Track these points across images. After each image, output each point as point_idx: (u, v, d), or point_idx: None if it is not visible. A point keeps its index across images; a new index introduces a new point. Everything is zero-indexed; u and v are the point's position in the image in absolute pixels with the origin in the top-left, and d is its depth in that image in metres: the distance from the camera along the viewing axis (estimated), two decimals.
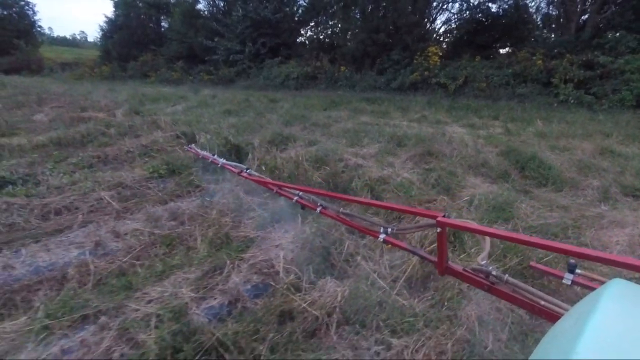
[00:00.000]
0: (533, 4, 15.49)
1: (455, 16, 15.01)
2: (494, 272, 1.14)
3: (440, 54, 12.82)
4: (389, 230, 1.53)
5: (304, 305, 2.07)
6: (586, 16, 13.73)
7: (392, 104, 10.19)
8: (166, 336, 1.76)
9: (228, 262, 2.56)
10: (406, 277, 2.38)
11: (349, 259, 2.62)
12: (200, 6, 25.58)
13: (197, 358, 1.71)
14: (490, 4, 15.46)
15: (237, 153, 4.88)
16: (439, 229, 1.23)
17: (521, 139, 5.96)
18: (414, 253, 1.46)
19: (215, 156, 3.45)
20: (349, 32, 14.40)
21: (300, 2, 19.89)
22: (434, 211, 1.31)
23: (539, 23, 15.20)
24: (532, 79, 11.18)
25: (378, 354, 1.81)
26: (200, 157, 3.94)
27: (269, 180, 2.52)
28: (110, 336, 1.86)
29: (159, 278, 2.44)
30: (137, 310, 2.06)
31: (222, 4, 23.57)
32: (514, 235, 1.11)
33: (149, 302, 2.16)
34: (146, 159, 5.14)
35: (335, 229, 2.82)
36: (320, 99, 10.95)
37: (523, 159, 4.54)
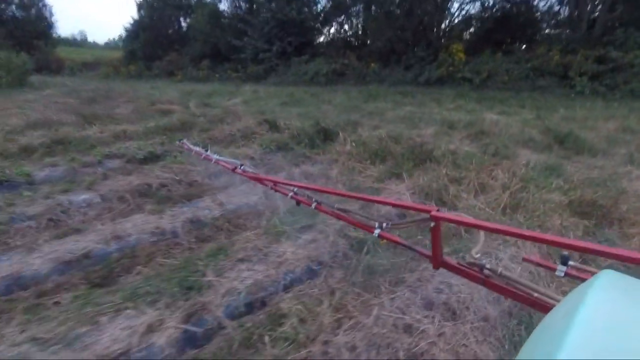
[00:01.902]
0: (545, 3, 16.39)
1: (474, 15, 15.98)
2: (487, 266, 1.15)
3: (463, 50, 13.85)
4: (384, 225, 1.54)
5: None
6: (596, 14, 14.66)
7: (425, 96, 11.25)
8: None
9: None
10: None
11: None
12: (222, 7, 26.62)
13: None
14: (505, 4, 16.39)
15: (325, 134, 5.94)
16: (433, 224, 1.23)
17: (553, 121, 7.00)
18: (409, 248, 1.46)
19: (209, 152, 3.36)
20: (376, 31, 15.40)
21: (323, 3, 20.93)
22: (428, 206, 1.32)
23: (552, 22, 16.15)
24: (550, 72, 12.21)
25: None
26: (192, 153, 3.83)
27: (264, 176, 2.53)
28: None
29: None
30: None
31: (245, 5, 24.60)
32: (508, 228, 1.11)
33: None
34: (246, 140, 6.24)
35: None
36: (357, 93, 12.01)
37: (560, 135, 5.60)
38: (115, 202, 3.82)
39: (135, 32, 31.46)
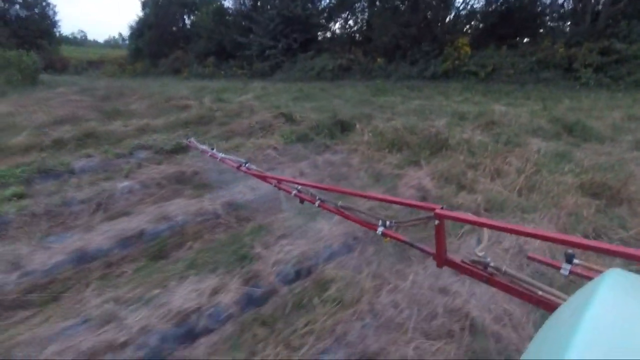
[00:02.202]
0: None
1: (479, 9, 16.12)
2: (492, 264, 1.15)
3: (468, 44, 14.02)
4: (388, 223, 1.54)
5: None
6: (600, 7, 14.79)
7: (432, 90, 11.45)
8: None
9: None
10: None
11: None
12: (227, 4, 26.77)
13: None
14: None
15: (342, 126, 6.17)
16: (437, 222, 1.23)
17: (559, 112, 7.22)
18: (413, 246, 1.47)
19: (214, 150, 3.39)
20: (381, 27, 15.58)
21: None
22: (432, 204, 1.32)
23: (554, 15, 16.28)
24: (555, 65, 12.38)
25: None
26: (199, 150, 3.90)
27: (267, 174, 2.54)
28: None
29: None
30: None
31: (249, 2, 24.73)
32: (512, 226, 1.11)
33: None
34: (265, 133, 6.48)
35: None
36: (365, 88, 12.22)
37: (568, 124, 5.82)
38: (154, 188, 4.08)
39: (140, 30, 31.62)
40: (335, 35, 20.49)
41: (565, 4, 16.63)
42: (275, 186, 2.33)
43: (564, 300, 0.93)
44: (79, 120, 7.30)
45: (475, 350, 1.91)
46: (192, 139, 4.43)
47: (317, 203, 1.92)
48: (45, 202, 3.56)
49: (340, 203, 1.80)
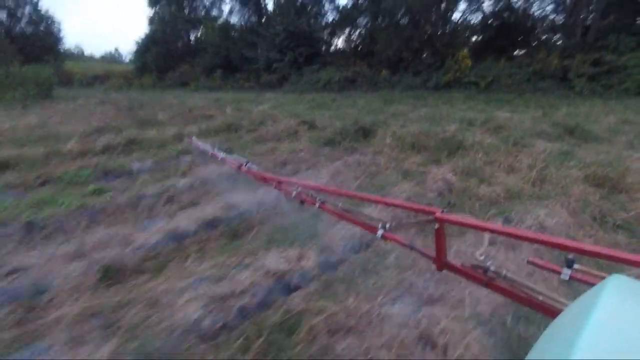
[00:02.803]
0: (541, 12, 17.40)
1: (476, 24, 16.96)
2: (492, 268, 1.14)
3: (468, 57, 14.78)
4: (387, 226, 1.54)
5: None
6: (589, 22, 15.62)
7: (436, 99, 12.10)
8: None
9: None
10: None
11: None
12: (232, 20, 27.64)
13: None
14: (503, 13, 17.38)
15: (364, 131, 6.72)
16: (437, 225, 1.23)
17: (559, 117, 7.83)
18: (413, 249, 1.46)
19: (216, 150, 3.35)
20: (385, 41, 16.36)
21: (331, 15, 21.97)
22: (432, 207, 1.32)
23: (548, 28, 17.13)
24: (550, 75, 13.12)
25: None
26: (200, 150, 3.83)
27: (267, 175, 2.49)
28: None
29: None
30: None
31: (254, 19, 25.59)
32: (513, 230, 1.10)
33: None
34: (292, 138, 7.02)
35: None
36: (373, 98, 12.86)
37: (569, 127, 6.41)
38: (211, 184, 4.59)
39: (146, 45, 32.42)
40: (339, 49, 21.31)
41: (556, 19, 17.55)
42: (275, 187, 2.31)
43: (565, 305, 0.93)
44: (116, 129, 7.82)
45: None
46: (194, 138, 4.41)
47: (317, 204, 1.91)
48: (122, 196, 4.07)
49: (340, 205, 1.80)
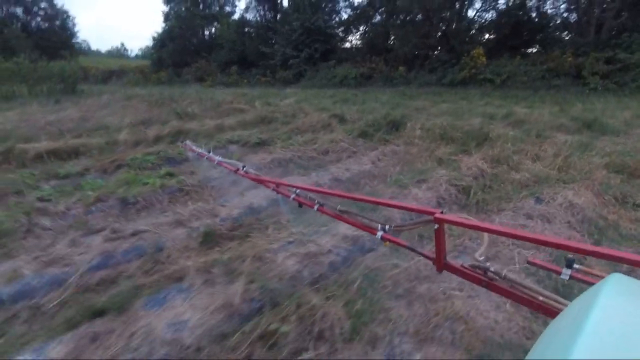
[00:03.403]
0: (554, 10, 17.64)
1: (491, 22, 17.23)
2: (491, 269, 1.14)
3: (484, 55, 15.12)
4: (387, 227, 1.53)
5: None
6: (603, 20, 15.83)
7: (454, 95, 12.48)
8: None
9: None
10: None
11: None
12: (248, 16, 28.08)
13: None
14: (517, 11, 17.64)
15: (393, 124, 7.16)
16: (436, 226, 1.23)
17: (575, 112, 8.21)
18: (412, 250, 1.45)
19: (211, 154, 3.31)
20: (402, 38, 16.72)
21: (343, 12, 22.34)
22: (431, 208, 1.31)
23: (562, 27, 17.37)
24: (564, 73, 13.43)
25: None
26: (196, 154, 3.78)
27: (266, 178, 2.49)
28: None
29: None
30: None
31: (269, 15, 26.00)
32: (512, 231, 1.09)
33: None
34: (326, 130, 7.47)
35: None
36: (392, 94, 13.28)
37: (587, 121, 6.80)
38: (265, 169, 5.07)
39: (163, 41, 32.98)
40: (354, 46, 21.69)
41: (570, 17, 17.77)
42: (273, 190, 2.30)
43: (565, 305, 0.92)
44: (159, 121, 8.34)
45: None
46: (188, 142, 4.24)
47: (316, 207, 1.91)
48: (191, 178, 4.57)
49: (339, 207, 1.80)
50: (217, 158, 3.11)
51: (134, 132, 7.08)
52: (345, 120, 8.07)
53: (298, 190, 2.09)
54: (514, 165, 4.92)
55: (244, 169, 2.67)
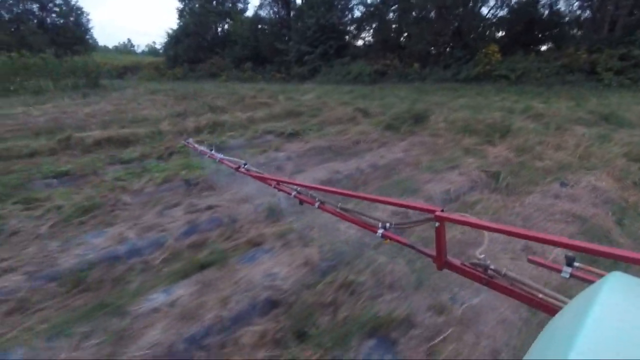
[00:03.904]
0: (568, 7, 17.76)
1: (505, 19, 17.42)
2: (492, 266, 1.15)
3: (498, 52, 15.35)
4: (387, 225, 1.54)
5: None
6: (616, 18, 15.94)
7: (469, 91, 12.76)
8: None
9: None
10: None
11: None
12: (262, 13, 28.44)
13: None
14: (530, 8, 17.79)
15: (417, 117, 7.51)
16: (437, 224, 1.23)
17: (591, 107, 8.48)
18: (413, 248, 1.43)
19: (213, 151, 3.34)
20: (416, 35, 16.99)
21: (357, 9, 22.62)
22: (432, 206, 1.31)
23: (575, 24, 17.50)
24: (579, 69, 13.63)
25: None
26: (197, 151, 3.80)
27: (267, 175, 2.54)
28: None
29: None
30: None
31: (283, 12, 26.34)
32: (513, 229, 1.08)
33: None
34: (352, 123, 7.84)
35: None
36: (408, 89, 13.59)
37: (603, 114, 7.09)
38: (305, 157, 5.48)
39: (177, 37, 33.45)
40: (368, 42, 21.96)
41: (582, 14, 17.88)
42: (274, 187, 2.32)
43: (565, 303, 0.93)
44: (193, 113, 8.78)
45: None
46: (190, 140, 4.25)
47: (316, 205, 1.92)
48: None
49: (340, 204, 1.81)
50: (219, 156, 3.11)
51: (174, 123, 7.53)
52: (368, 113, 8.44)
53: (299, 188, 2.09)
54: (538, 155, 5.25)
55: (245, 166, 2.67)
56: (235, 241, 3.06)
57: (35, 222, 3.22)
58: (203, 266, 2.62)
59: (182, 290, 2.34)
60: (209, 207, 3.51)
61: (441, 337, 2.02)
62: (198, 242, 3.02)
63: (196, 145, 3.81)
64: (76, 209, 3.40)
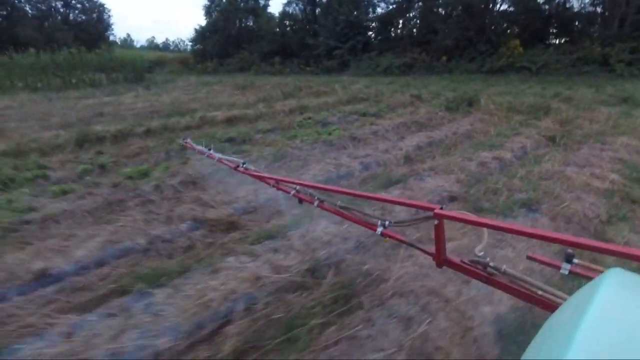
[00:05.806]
0: (580, 5, 19.15)
1: (523, 15, 18.79)
2: (491, 264, 1.14)
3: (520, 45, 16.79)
4: (387, 223, 1.53)
5: None
6: (626, 14, 17.21)
7: (496, 81, 14.14)
8: None
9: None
10: None
11: None
12: (289, 9, 29.86)
13: None
14: (544, 6, 19.14)
15: (469, 100, 8.94)
16: (436, 221, 1.22)
17: (610, 92, 9.89)
18: (412, 246, 1.44)
19: (212, 151, 3.26)
20: (445, 31, 18.40)
21: (380, 7, 24.04)
22: (431, 203, 1.31)
23: (587, 20, 18.85)
24: (593, 61, 15.02)
25: None
26: (196, 151, 3.73)
27: (266, 174, 2.48)
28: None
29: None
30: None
31: (309, 8, 27.67)
32: (512, 226, 1.07)
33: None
34: (411, 106, 9.29)
35: None
36: (440, 80, 14.99)
37: (623, 97, 8.53)
38: (398, 129, 6.96)
39: (204, 33, 34.87)
40: (395, 37, 23.31)
41: (593, 11, 19.22)
42: (273, 186, 2.28)
43: (564, 300, 0.93)
44: (272, 99, 10.28)
45: None
46: (189, 140, 4.18)
47: (316, 203, 1.90)
48: (344, 133, 6.46)
49: (339, 203, 1.79)
50: (217, 155, 3.04)
51: (266, 107, 9.01)
52: (422, 99, 9.88)
53: (298, 187, 2.08)
54: (578, 125, 6.69)
55: (244, 165, 2.64)
56: (401, 173, 4.57)
57: None
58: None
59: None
60: (364, 156, 5.03)
61: None
62: (374, 175, 4.53)
63: (194, 145, 3.75)
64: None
